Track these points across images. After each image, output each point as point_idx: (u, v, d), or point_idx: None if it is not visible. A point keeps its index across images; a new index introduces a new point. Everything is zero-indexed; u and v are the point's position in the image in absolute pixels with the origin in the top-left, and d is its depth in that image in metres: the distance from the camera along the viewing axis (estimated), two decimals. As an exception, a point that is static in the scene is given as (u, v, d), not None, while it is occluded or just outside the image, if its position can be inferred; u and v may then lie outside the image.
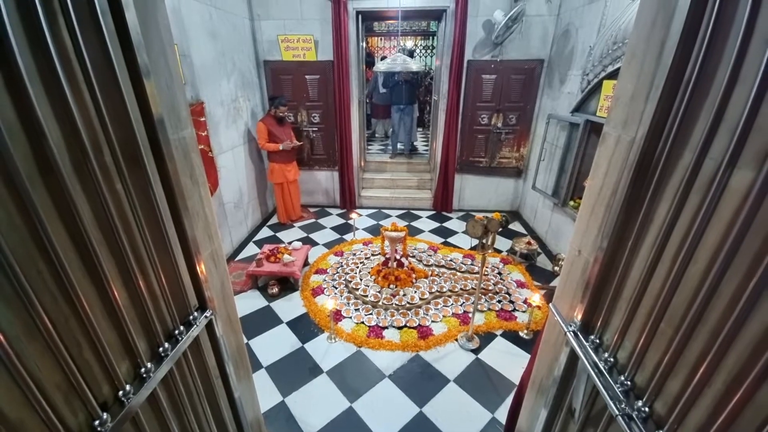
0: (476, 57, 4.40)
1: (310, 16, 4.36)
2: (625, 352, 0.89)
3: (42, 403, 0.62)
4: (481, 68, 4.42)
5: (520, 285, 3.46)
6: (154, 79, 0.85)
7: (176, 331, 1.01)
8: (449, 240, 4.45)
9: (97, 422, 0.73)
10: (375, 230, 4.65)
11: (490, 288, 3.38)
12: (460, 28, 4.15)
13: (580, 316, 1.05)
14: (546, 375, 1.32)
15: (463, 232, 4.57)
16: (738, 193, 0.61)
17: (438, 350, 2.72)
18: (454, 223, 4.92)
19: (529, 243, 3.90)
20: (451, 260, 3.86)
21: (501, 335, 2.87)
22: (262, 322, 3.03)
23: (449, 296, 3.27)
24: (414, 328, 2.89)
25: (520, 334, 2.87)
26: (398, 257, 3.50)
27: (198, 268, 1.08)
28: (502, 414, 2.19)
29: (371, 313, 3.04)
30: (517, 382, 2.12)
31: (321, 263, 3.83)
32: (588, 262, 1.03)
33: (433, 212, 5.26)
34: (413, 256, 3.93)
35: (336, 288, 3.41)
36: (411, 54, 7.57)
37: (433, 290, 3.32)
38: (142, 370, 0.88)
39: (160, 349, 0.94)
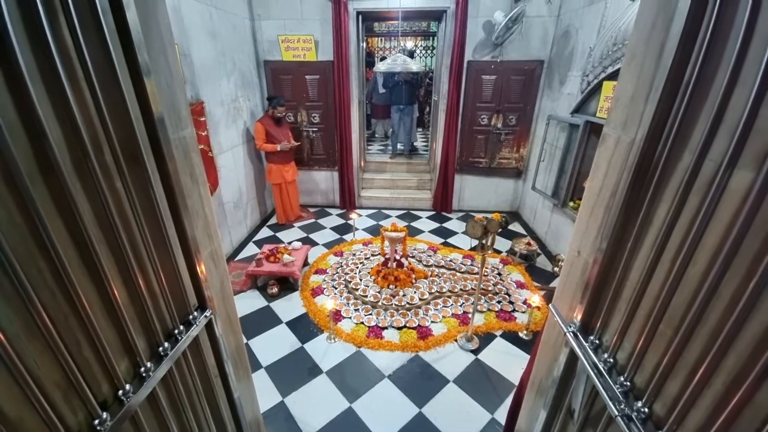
0: (476, 57, 4.41)
1: (310, 17, 4.36)
2: (624, 352, 0.89)
3: (42, 401, 0.62)
4: (481, 69, 4.42)
5: (520, 286, 3.46)
6: (155, 78, 0.85)
7: (176, 331, 1.01)
8: (449, 240, 4.45)
9: (96, 421, 0.73)
10: (375, 230, 4.65)
11: (490, 288, 3.38)
12: (461, 29, 4.15)
13: (579, 317, 1.05)
14: (545, 375, 1.32)
15: (463, 233, 4.57)
16: (737, 194, 0.61)
17: (437, 351, 2.72)
18: (454, 224, 4.93)
19: (528, 244, 3.90)
20: (450, 261, 3.86)
21: (500, 336, 2.87)
22: (261, 322, 3.03)
23: (449, 297, 3.27)
24: (413, 328, 2.89)
25: (520, 334, 2.87)
26: (398, 257, 3.50)
27: (198, 267, 1.08)
28: (501, 414, 2.19)
29: (371, 314, 3.04)
30: (516, 382, 2.13)
31: (321, 263, 3.83)
32: (587, 262, 1.03)
33: (433, 213, 5.26)
34: (413, 257, 3.93)
35: (336, 288, 3.41)
36: (411, 54, 7.58)
37: (432, 291, 3.32)
38: (142, 369, 0.88)
39: (160, 348, 0.94)
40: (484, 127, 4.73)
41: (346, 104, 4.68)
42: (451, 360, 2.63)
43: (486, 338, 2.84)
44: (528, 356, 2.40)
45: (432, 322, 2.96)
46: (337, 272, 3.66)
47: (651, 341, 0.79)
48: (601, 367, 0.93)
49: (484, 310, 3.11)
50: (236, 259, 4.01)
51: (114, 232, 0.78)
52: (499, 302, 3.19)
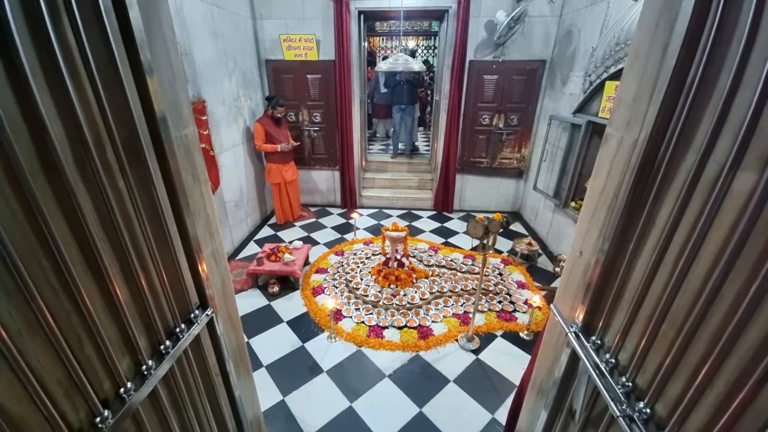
0: (478, 57, 4.40)
1: (312, 16, 4.36)
2: (626, 353, 0.89)
3: (43, 398, 0.62)
4: (482, 69, 4.42)
5: (521, 286, 3.46)
6: (157, 77, 0.85)
7: (177, 329, 1.01)
8: (450, 240, 4.45)
9: (98, 419, 0.73)
10: (376, 230, 4.65)
11: (491, 288, 3.37)
12: (462, 29, 4.14)
13: (581, 317, 1.05)
14: (546, 376, 1.31)
15: (464, 233, 4.57)
16: (741, 196, 0.61)
17: (438, 350, 2.72)
18: (455, 224, 4.92)
19: (530, 244, 3.90)
20: (451, 260, 3.86)
21: (501, 336, 2.87)
22: (262, 321, 3.03)
23: (450, 296, 3.27)
24: (414, 328, 2.89)
25: (521, 334, 2.87)
26: (399, 257, 3.50)
27: (199, 265, 1.08)
28: (502, 415, 2.19)
29: (371, 313, 3.04)
30: (517, 382, 2.12)
31: (321, 263, 3.84)
32: (589, 263, 1.03)
33: (434, 212, 5.26)
34: (414, 256, 3.93)
35: (336, 287, 3.41)
36: (413, 54, 7.57)
37: (433, 290, 3.32)
38: (143, 367, 0.88)
39: (161, 346, 0.95)
40: (485, 127, 4.72)
41: (347, 104, 4.67)
42: (451, 360, 2.63)
43: (487, 338, 2.83)
44: (529, 356, 2.40)
45: (433, 321, 2.96)
46: (338, 271, 3.66)
47: (653, 342, 0.79)
48: (602, 367, 0.93)
49: (485, 310, 3.11)
50: (237, 258, 4.02)
51: (116, 230, 0.78)
52: (500, 302, 3.19)
